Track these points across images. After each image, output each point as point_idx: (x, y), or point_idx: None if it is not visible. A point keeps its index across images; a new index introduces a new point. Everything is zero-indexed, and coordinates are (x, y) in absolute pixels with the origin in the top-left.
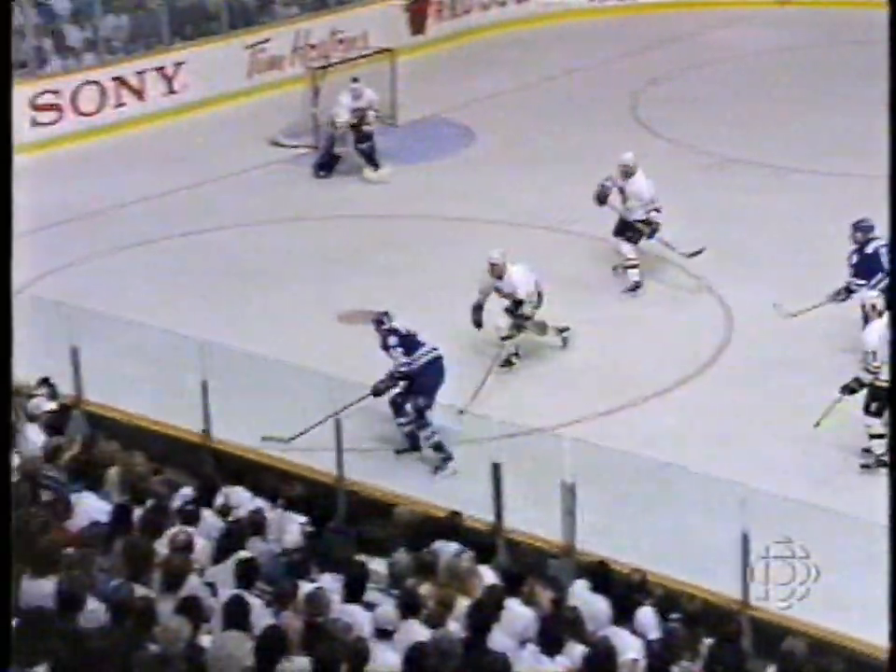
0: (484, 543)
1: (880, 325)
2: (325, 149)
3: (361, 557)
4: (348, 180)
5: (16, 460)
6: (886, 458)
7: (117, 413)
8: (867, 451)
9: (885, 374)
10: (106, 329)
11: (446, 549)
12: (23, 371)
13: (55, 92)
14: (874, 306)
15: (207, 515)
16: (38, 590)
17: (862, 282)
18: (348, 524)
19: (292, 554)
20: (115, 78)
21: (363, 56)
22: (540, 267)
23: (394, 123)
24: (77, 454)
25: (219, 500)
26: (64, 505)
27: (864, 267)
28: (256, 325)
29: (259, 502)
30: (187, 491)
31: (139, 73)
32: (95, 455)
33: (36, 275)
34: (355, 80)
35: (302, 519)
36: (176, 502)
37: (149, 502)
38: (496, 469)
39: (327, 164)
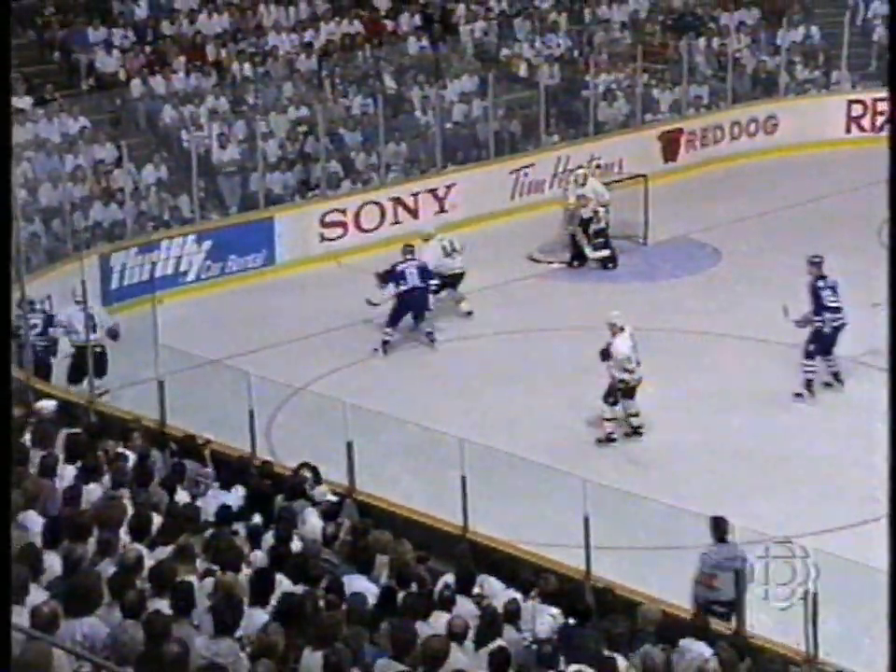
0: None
1: (625, 337)
2: (571, 242)
3: (609, 652)
4: (597, 289)
5: (297, 543)
6: (615, 435)
7: (384, 503)
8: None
9: (638, 374)
10: (378, 425)
11: (694, 647)
12: (302, 459)
13: (342, 211)
14: (614, 325)
15: (464, 602)
16: (314, 661)
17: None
18: (597, 618)
19: (543, 645)
20: (393, 199)
21: (618, 180)
22: (779, 381)
23: (644, 242)
24: (351, 539)
25: (476, 589)
26: (338, 585)
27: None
28: (513, 425)
29: (513, 593)
30: (447, 578)
31: (414, 194)
32: (369, 542)
33: (320, 374)
34: (579, 167)
35: (555, 611)
36: (437, 587)
37: (413, 586)
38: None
39: (575, 255)
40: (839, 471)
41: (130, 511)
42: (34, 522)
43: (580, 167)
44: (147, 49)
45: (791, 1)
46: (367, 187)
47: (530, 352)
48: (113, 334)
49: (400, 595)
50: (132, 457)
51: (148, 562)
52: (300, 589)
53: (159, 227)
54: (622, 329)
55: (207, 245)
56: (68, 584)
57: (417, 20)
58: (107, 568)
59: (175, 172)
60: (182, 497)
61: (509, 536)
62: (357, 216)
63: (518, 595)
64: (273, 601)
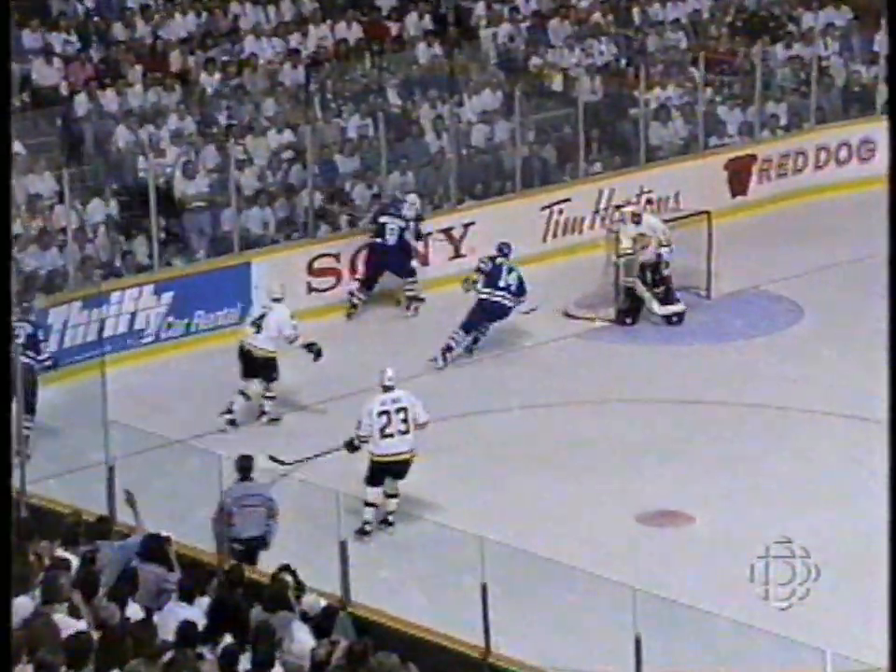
0: None
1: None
2: (622, 292)
3: None
4: (650, 352)
5: (279, 670)
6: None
7: (386, 617)
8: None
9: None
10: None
11: None
12: (283, 561)
13: (335, 256)
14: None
15: None
16: None
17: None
18: None
19: None
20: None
21: (675, 219)
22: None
23: (707, 295)
24: (346, 664)
25: None
26: None
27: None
28: (544, 520)
29: None
30: None
31: (423, 235)
32: (370, 668)
33: (308, 457)
34: (629, 202)
35: None
36: None
37: None
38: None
39: (629, 310)
40: None
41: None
42: None
43: (629, 202)
44: (95, 57)
45: None
46: (364, 227)
47: (565, 430)
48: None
49: None
50: (73, 562)
51: None
52: None
53: (109, 275)
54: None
55: (169, 297)
56: None
57: (428, 21)
58: None
59: (128, 208)
60: (134, 610)
61: (540, 660)
62: (353, 262)
63: None
64: None
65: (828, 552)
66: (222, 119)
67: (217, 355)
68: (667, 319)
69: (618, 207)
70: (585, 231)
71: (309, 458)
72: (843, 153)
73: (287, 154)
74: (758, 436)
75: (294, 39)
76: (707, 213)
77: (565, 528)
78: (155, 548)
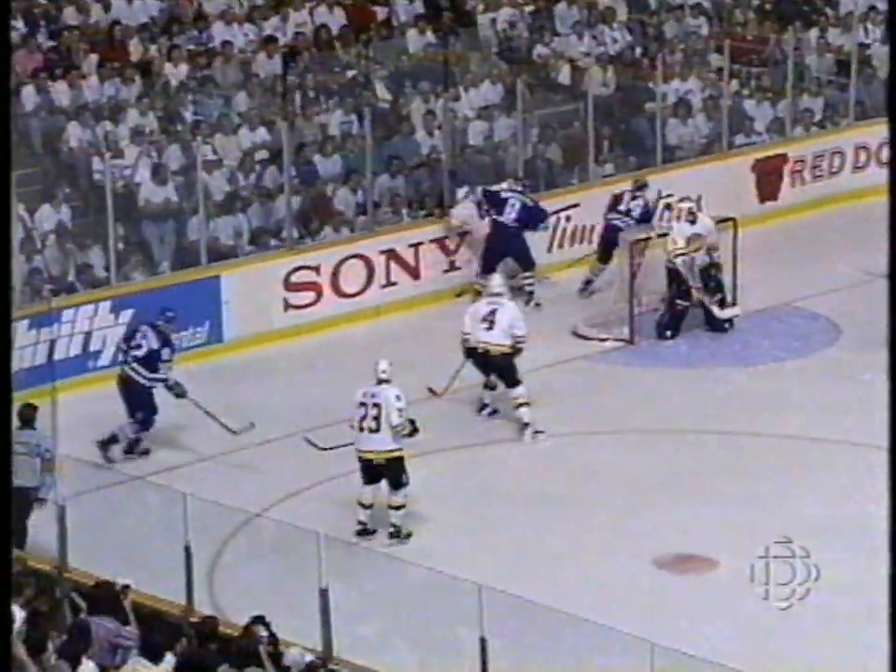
0: None
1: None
2: (667, 301)
3: None
4: (669, 377)
5: None
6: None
7: None
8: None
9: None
10: (363, 565)
11: None
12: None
13: (314, 268)
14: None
15: None
16: None
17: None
18: None
19: None
20: (385, 251)
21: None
22: None
23: (731, 325)
24: None
25: None
26: None
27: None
28: (552, 566)
29: None
30: None
31: (414, 245)
32: None
33: (285, 494)
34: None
35: None
36: None
37: None
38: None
39: (670, 322)
40: None
41: None
42: None
43: (684, 199)
44: (45, 44)
45: None
46: (349, 235)
47: (575, 463)
48: None
49: None
50: (18, 615)
51: None
52: None
53: (60, 291)
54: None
55: (128, 315)
56: None
57: (419, 6)
58: None
59: (83, 215)
60: (88, 669)
61: None
62: (334, 275)
63: None
64: None
65: (865, 600)
66: (188, 116)
67: (183, 379)
68: (728, 323)
69: (667, 206)
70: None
71: (345, 445)
72: (884, 153)
73: (262, 154)
74: (789, 471)
75: (269, 25)
76: (733, 220)
77: (573, 574)
78: (109, 598)
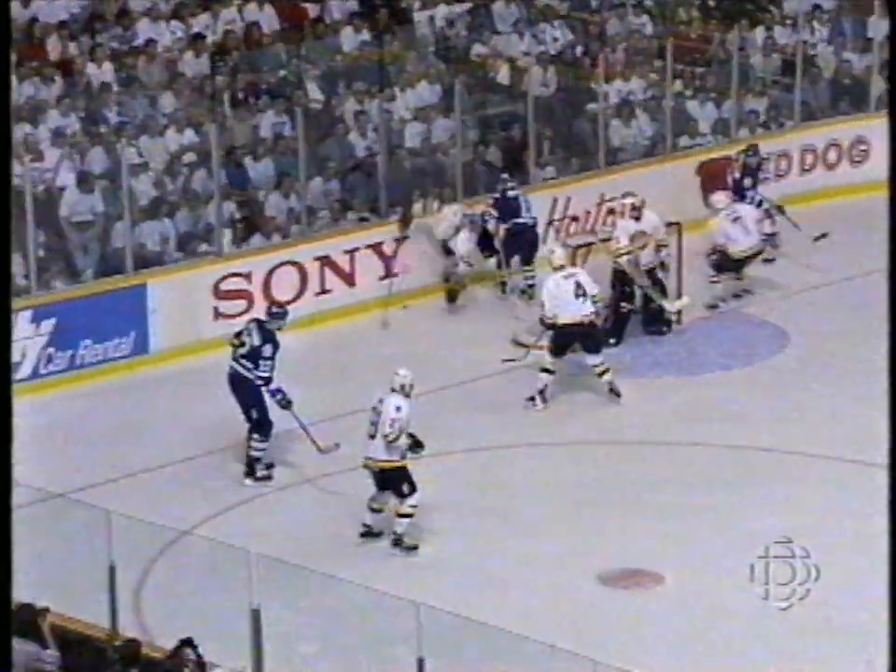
0: None
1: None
2: (611, 304)
3: None
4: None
5: None
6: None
7: None
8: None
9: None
10: (296, 583)
11: None
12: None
13: (245, 276)
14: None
15: None
16: None
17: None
18: None
19: None
20: (319, 258)
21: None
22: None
23: (678, 320)
24: None
25: None
26: None
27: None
28: (491, 581)
29: None
30: None
31: (349, 251)
32: None
33: (214, 511)
34: (626, 194)
35: None
36: None
37: None
38: None
39: (613, 328)
40: None
41: None
42: None
43: (627, 195)
44: None
45: None
46: (281, 241)
47: (514, 476)
48: None
49: None
50: None
51: None
52: None
53: None
54: None
55: (49, 325)
56: None
57: (354, 3)
58: None
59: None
60: None
61: None
62: (266, 283)
63: None
64: None
65: (816, 613)
66: (112, 117)
67: (107, 393)
68: (676, 316)
69: (611, 211)
70: (539, 245)
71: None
72: (832, 155)
73: (189, 157)
74: (737, 482)
75: (197, 23)
76: (677, 224)
77: (514, 592)
78: (27, 621)
